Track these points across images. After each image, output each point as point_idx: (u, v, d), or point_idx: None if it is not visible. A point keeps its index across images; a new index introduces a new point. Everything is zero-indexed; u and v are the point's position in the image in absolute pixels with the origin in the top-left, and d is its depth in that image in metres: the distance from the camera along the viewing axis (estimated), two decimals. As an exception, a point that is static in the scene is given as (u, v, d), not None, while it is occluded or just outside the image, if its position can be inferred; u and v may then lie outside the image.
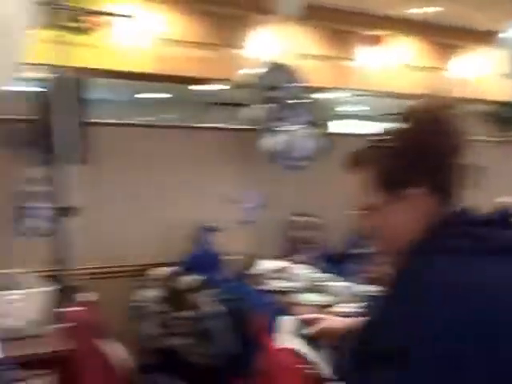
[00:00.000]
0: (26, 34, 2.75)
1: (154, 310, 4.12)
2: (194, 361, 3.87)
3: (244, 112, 4.86)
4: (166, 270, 4.31)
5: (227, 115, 5.58)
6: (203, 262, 4.28)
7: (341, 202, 5.01)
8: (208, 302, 3.94)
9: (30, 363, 3.14)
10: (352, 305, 3.71)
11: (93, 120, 4.14)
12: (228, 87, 5.64)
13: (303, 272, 4.28)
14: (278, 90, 4.88)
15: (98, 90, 4.88)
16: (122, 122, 5.10)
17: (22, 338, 3.28)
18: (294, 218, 4.95)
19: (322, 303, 3.92)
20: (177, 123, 5.81)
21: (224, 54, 5.44)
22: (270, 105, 4.80)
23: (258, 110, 4.79)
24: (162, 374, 3.96)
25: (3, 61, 2.78)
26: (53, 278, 3.76)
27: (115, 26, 4.96)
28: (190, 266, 4.25)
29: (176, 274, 4.20)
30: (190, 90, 6.41)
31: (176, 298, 4.06)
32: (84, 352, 3.31)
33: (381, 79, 6.32)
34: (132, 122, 5.30)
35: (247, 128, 4.86)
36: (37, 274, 3.71)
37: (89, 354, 3.34)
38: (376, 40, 6.35)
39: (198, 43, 5.38)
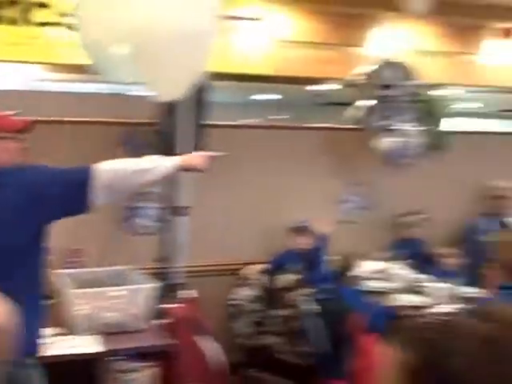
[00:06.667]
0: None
1: (250, 309, 4.19)
2: (287, 359, 3.90)
3: (349, 111, 4.82)
4: (260, 268, 4.38)
5: (336, 115, 5.53)
6: (294, 261, 4.29)
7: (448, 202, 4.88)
8: (304, 301, 3.95)
9: (132, 356, 3.32)
10: (451, 306, 3.62)
11: (210, 122, 4.20)
12: (340, 87, 5.58)
13: (402, 273, 4.21)
14: (392, 88, 4.80)
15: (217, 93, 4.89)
16: (236, 123, 5.21)
17: (126, 332, 3.46)
18: (401, 217, 4.88)
19: (419, 304, 3.84)
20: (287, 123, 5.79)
21: (343, 54, 5.39)
22: (376, 103, 4.73)
23: (361, 109, 4.73)
24: (257, 371, 4.02)
25: (190, 71, 2.99)
26: (157, 275, 3.90)
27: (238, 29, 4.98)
28: (281, 265, 4.27)
29: (271, 273, 4.25)
30: (301, 90, 6.38)
31: (271, 296, 4.11)
32: (183, 347, 3.43)
33: (504, 74, 6.02)
34: (247, 123, 5.34)
35: (354, 127, 4.82)
36: (143, 270, 3.87)
37: (187, 350, 3.46)
38: (505, 33, 6.05)
39: (317, 43, 5.34)
